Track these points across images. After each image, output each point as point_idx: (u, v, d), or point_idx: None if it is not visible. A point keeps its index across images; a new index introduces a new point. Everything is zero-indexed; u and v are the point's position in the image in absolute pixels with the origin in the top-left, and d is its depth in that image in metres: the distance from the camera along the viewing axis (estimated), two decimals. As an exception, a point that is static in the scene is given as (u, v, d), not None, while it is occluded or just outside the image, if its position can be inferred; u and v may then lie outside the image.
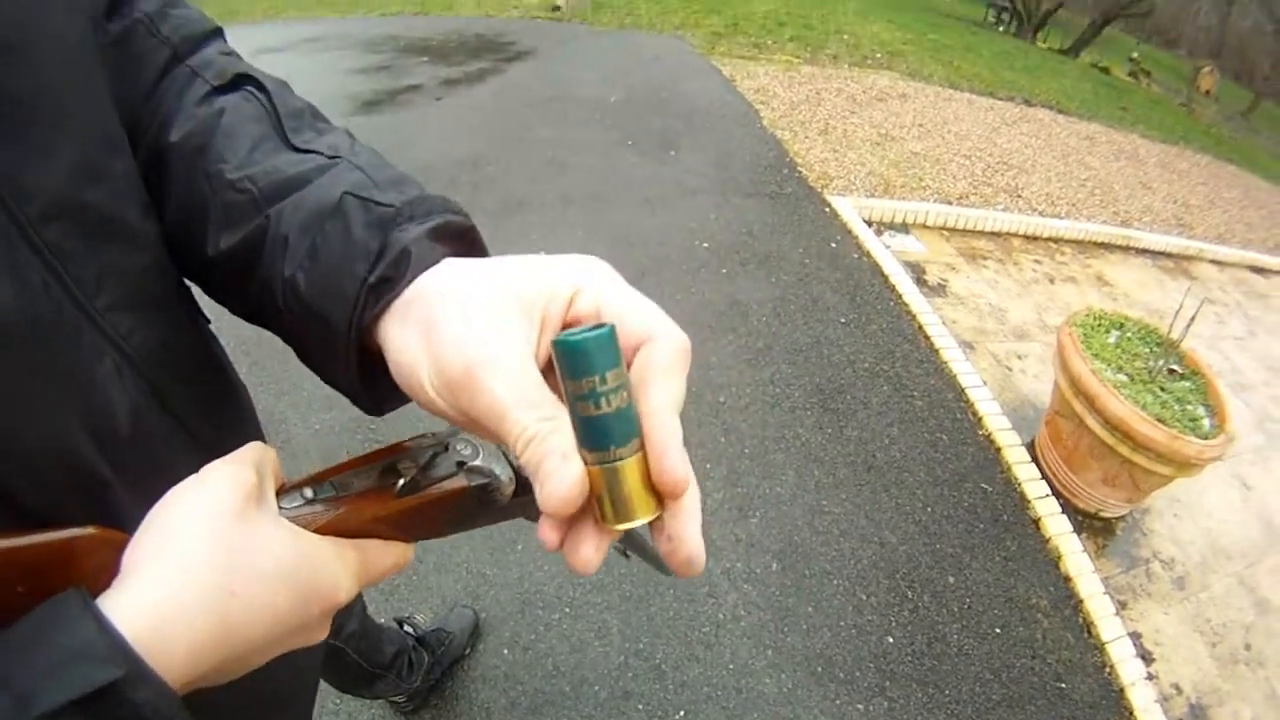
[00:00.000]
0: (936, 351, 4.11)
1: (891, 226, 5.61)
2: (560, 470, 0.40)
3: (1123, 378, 3.20)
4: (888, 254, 4.97)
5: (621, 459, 0.41)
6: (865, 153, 6.83)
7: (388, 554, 0.54)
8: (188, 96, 0.64)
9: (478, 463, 0.53)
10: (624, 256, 4.51)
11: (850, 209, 5.47)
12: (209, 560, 0.43)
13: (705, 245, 4.77)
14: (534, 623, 2.58)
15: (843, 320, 4.23)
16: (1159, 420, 2.97)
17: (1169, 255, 6.78)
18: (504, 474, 0.54)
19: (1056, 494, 3.39)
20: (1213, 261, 7.04)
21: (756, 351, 3.86)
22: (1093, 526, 3.39)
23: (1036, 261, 5.74)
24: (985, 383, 3.96)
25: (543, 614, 2.61)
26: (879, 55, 11.11)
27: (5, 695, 0.35)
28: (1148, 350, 3.42)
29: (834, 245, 5.01)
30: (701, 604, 2.68)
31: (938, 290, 4.91)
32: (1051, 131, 9.29)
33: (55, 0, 0.52)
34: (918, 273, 5.03)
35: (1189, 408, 3.15)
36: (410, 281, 0.50)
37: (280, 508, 0.50)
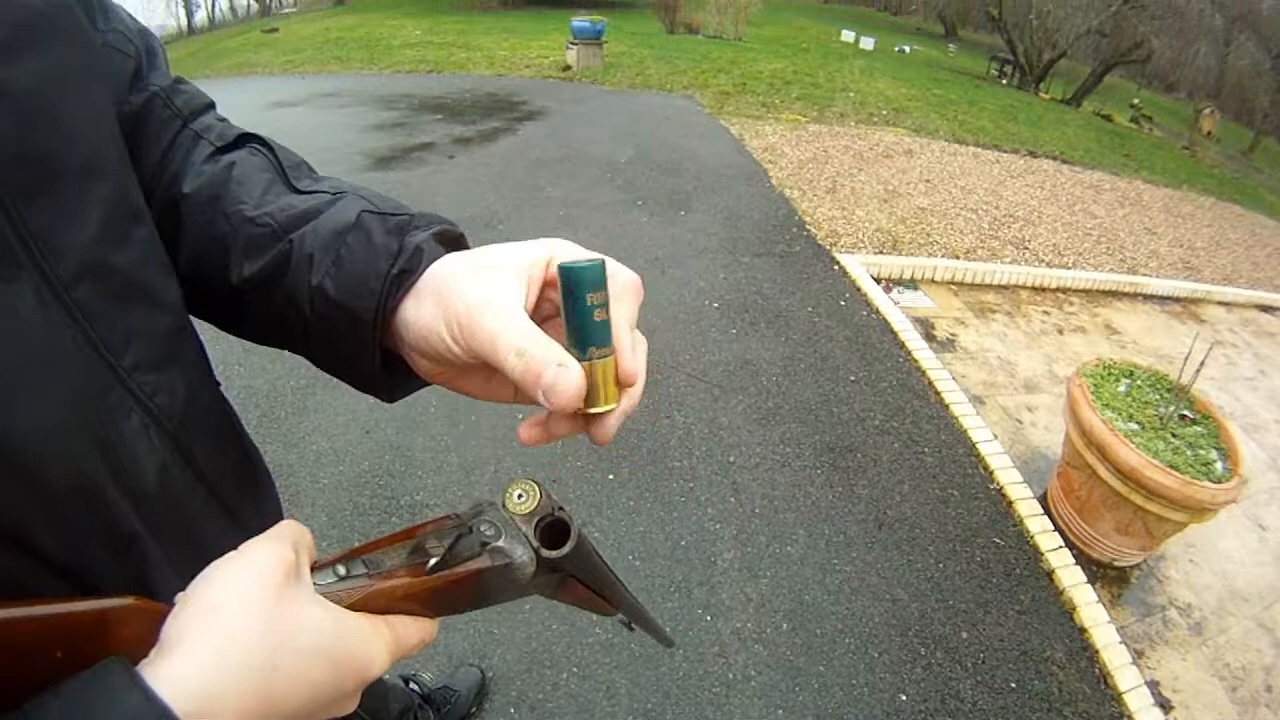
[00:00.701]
0: (947, 407, 4.13)
1: (900, 283, 5.67)
2: (564, 373, 0.52)
3: (1134, 426, 3.21)
4: (896, 310, 5.01)
5: (604, 358, 0.55)
6: (872, 209, 6.90)
7: (416, 629, 0.57)
8: (194, 156, 0.72)
9: (500, 544, 0.57)
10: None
11: (858, 266, 5.53)
12: (253, 635, 0.45)
13: (715, 305, 4.83)
14: (541, 682, 2.58)
15: (852, 378, 4.26)
16: (1172, 467, 2.97)
17: (1176, 299, 6.81)
18: (525, 555, 0.58)
19: (1070, 545, 3.38)
20: (1220, 303, 7.06)
21: (766, 411, 3.89)
22: (1107, 576, 3.38)
23: (1045, 313, 5.78)
24: (996, 436, 3.97)
25: (550, 673, 2.61)
26: (884, 112, 11.24)
27: None
28: (1158, 397, 3.43)
29: (843, 303, 5.06)
30: (711, 664, 2.68)
31: (947, 345, 4.94)
32: (1056, 182, 9.36)
33: (87, 69, 0.58)
34: (927, 328, 5.08)
35: (1201, 452, 3.15)
36: (423, 271, 0.60)
37: (315, 584, 0.52)
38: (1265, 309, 7.56)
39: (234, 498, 0.72)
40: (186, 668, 0.43)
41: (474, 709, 2.48)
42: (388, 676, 1.97)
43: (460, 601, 0.60)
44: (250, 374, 3.78)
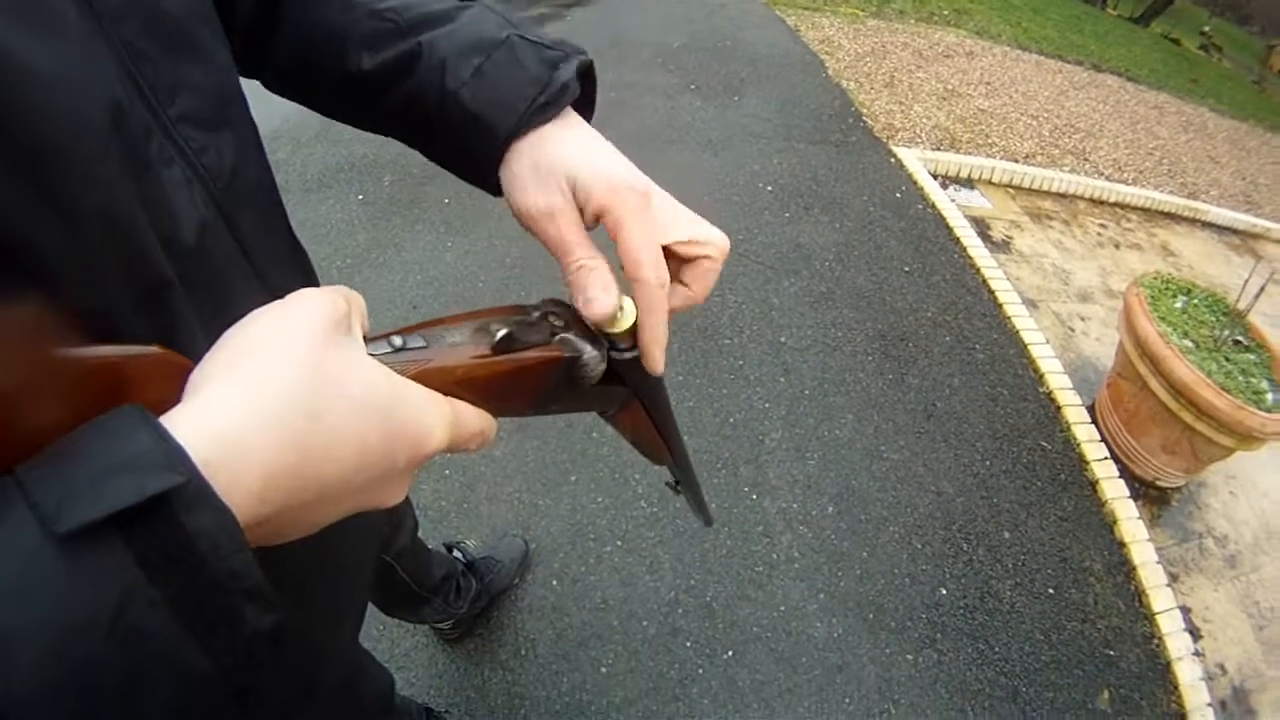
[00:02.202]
0: (1000, 306, 4.03)
1: (957, 181, 5.52)
2: (602, 297, 0.56)
3: (1188, 344, 3.12)
4: (953, 207, 4.88)
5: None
6: (931, 107, 6.71)
7: (477, 416, 0.50)
8: None
9: (570, 336, 0.55)
10: (686, 196, 4.29)
11: (915, 160, 5.38)
12: (294, 376, 0.38)
13: (769, 189, 4.70)
14: (584, 555, 2.57)
15: (906, 269, 4.17)
16: (1223, 389, 2.90)
17: (1235, 231, 6.63)
18: (595, 352, 0.57)
19: (1115, 458, 3.32)
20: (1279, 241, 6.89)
21: (819, 295, 3.81)
22: (1149, 495, 3.33)
23: (1102, 225, 5.63)
24: (1047, 341, 3.89)
25: (594, 546, 2.59)
26: (946, 12, 10.89)
27: (28, 512, 0.31)
28: (1214, 319, 3.34)
29: (899, 195, 4.93)
30: (756, 543, 2.66)
31: (1002, 247, 4.82)
32: (1120, 98, 9.11)
33: None
34: (982, 228, 4.94)
35: (1253, 380, 3.07)
36: (563, 107, 0.63)
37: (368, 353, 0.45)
38: None
39: (279, 280, 0.66)
40: (210, 409, 0.37)
41: (517, 580, 2.47)
42: (431, 543, 1.94)
43: (520, 396, 0.55)
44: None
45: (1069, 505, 3.08)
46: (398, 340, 0.47)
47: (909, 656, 2.47)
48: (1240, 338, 3.26)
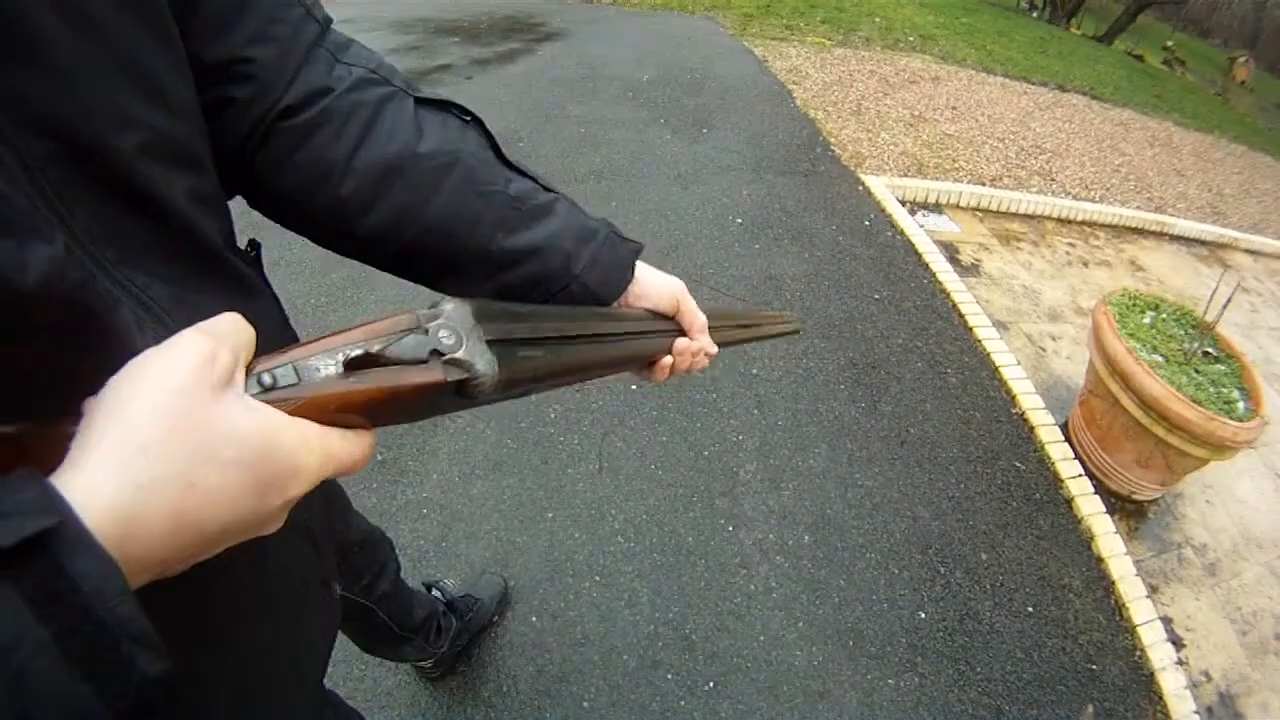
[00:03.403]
0: (970, 330, 4.07)
1: (925, 206, 5.58)
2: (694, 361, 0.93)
3: (1158, 358, 3.17)
4: (921, 233, 4.93)
5: None
6: (898, 133, 6.79)
7: (353, 447, 0.52)
8: (392, 107, 0.78)
9: (460, 355, 0.53)
10: (657, 229, 4.50)
11: (883, 188, 5.43)
12: (169, 449, 0.40)
13: (739, 221, 4.74)
14: (563, 590, 2.57)
15: (876, 297, 4.20)
16: (1195, 401, 2.94)
17: (1203, 243, 6.72)
18: (489, 369, 0.55)
19: (1089, 475, 3.35)
20: (1247, 251, 6.98)
21: (790, 325, 3.83)
22: (1125, 509, 3.36)
23: (1070, 244, 5.70)
24: (1019, 362, 3.93)
25: (572, 582, 2.60)
26: (911, 39, 11.03)
27: None
28: (1183, 332, 3.40)
29: (867, 223, 4.97)
30: (733, 575, 2.67)
31: (971, 270, 4.87)
32: (1085, 117, 9.21)
33: None
34: (951, 252, 5.00)
35: (1224, 390, 3.12)
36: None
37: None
38: None
39: None
40: (90, 484, 0.38)
41: (496, 618, 2.48)
42: (410, 583, 1.95)
43: (402, 413, 0.54)
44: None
45: (1045, 524, 3.10)
46: (267, 379, 0.47)
47: (890, 681, 2.48)
48: (1210, 349, 3.32)
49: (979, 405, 3.58)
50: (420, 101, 0.80)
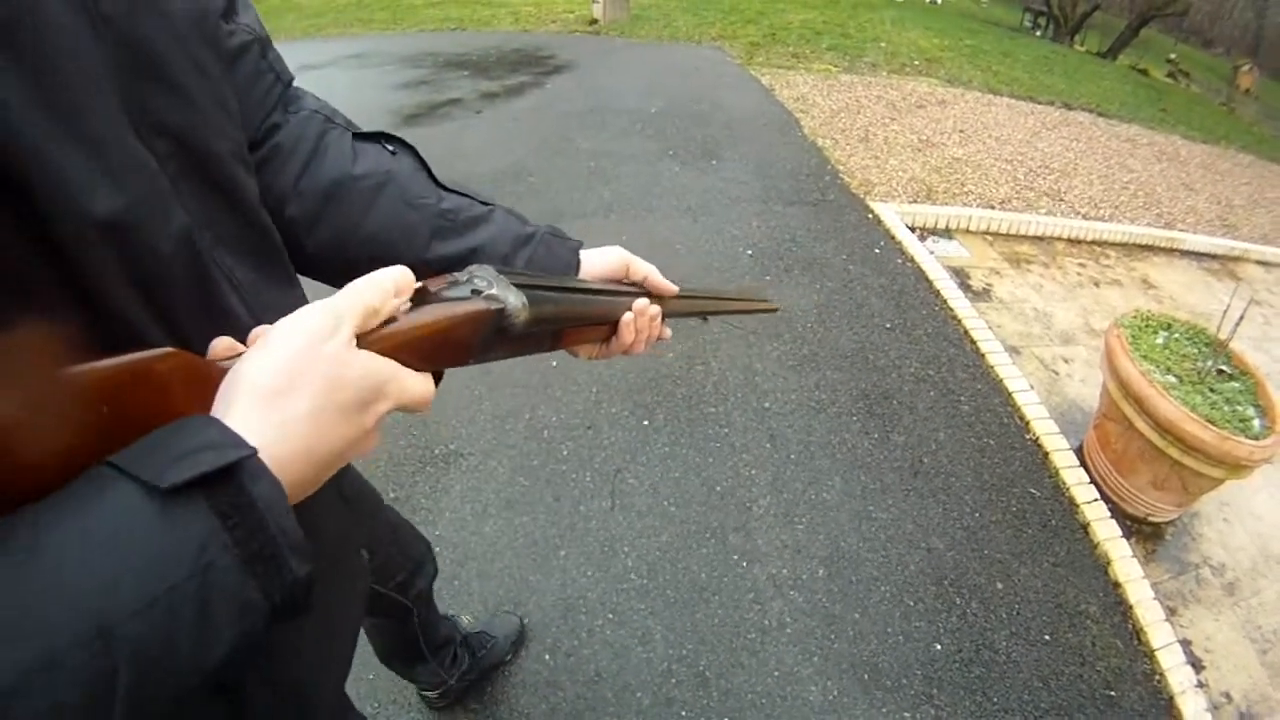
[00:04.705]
0: (983, 356, 4.08)
1: (934, 232, 5.61)
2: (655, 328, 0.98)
3: (1172, 379, 3.17)
4: (931, 259, 4.95)
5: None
6: (906, 159, 6.82)
7: (421, 383, 0.62)
8: (331, 138, 0.91)
9: (495, 292, 0.66)
10: (668, 263, 4.43)
11: (893, 215, 5.47)
12: (296, 394, 0.51)
13: (748, 252, 4.78)
14: (576, 629, 2.59)
15: (888, 326, 4.22)
16: (1209, 421, 2.93)
17: (1214, 257, 6.71)
18: (517, 301, 0.67)
19: (1105, 499, 3.34)
20: (1259, 262, 6.96)
21: (802, 358, 3.86)
22: (1142, 532, 3.35)
23: (1081, 265, 5.70)
24: (1032, 387, 3.93)
25: (585, 620, 2.61)
26: (917, 63, 11.08)
27: (132, 484, 0.43)
28: (1196, 351, 3.38)
29: (877, 251, 5.00)
30: (747, 610, 2.68)
31: (982, 295, 4.89)
32: (1092, 135, 9.22)
33: None
34: (962, 278, 5.02)
35: (1239, 408, 3.11)
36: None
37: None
38: None
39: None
40: (249, 425, 0.49)
41: (510, 656, 2.49)
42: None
43: (457, 349, 0.65)
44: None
45: (1061, 550, 3.10)
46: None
47: (906, 715, 2.47)
48: (1224, 367, 3.30)
49: (992, 432, 3.58)
50: (358, 135, 0.93)
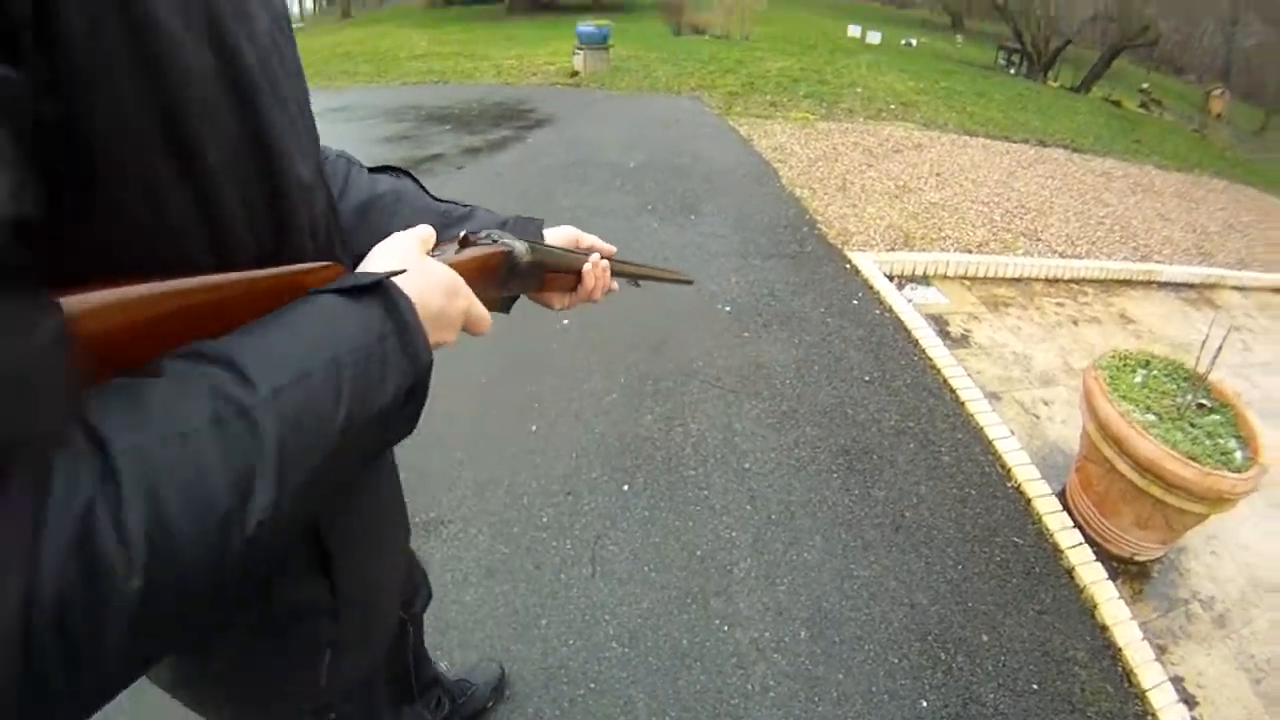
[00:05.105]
0: (962, 404, 4.10)
1: (913, 279, 5.66)
2: (606, 278, 1.23)
3: (1151, 417, 3.19)
4: (910, 308, 5.00)
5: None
6: (884, 206, 6.90)
7: (480, 305, 0.89)
8: (353, 170, 1.17)
9: (507, 240, 0.97)
10: (647, 321, 4.59)
11: (871, 264, 5.52)
12: (422, 267, 0.81)
13: (727, 309, 4.82)
14: (558, 698, 2.57)
15: (866, 379, 4.24)
16: (1190, 458, 2.95)
17: (1191, 286, 6.79)
18: (522, 247, 0.99)
19: (1090, 541, 3.35)
20: (1236, 288, 7.04)
21: (781, 415, 3.87)
22: (1128, 571, 3.36)
23: (1059, 304, 5.75)
24: (1013, 433, 3.95)
25: (567, 689, 2.60)
26: (893, 107, 11.22)
27: (329, 294, 0.69)
28: (1175, 387, 3.41)
29: (855, 302, 5.05)
30: (729, 675, 2.67)
31: (961, 341, 4.93)
32: (1067, 171, 9.33)
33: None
34: (941, 325, 5.06)
35: (1220, 441, 3.13)
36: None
37: None
38: None
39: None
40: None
41: (490, 703, 2.49)
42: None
43: (490, 279, 0.95)
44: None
45: (1046, 597, 3.10)
46: (437, 253, 0.89)
47: (895, 775, 2.48)
48: (1204, 400, 3.33)
49: (973, 482, 3.59)
50: (371, 169, 1.20)
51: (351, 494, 1.00)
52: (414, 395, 0.73)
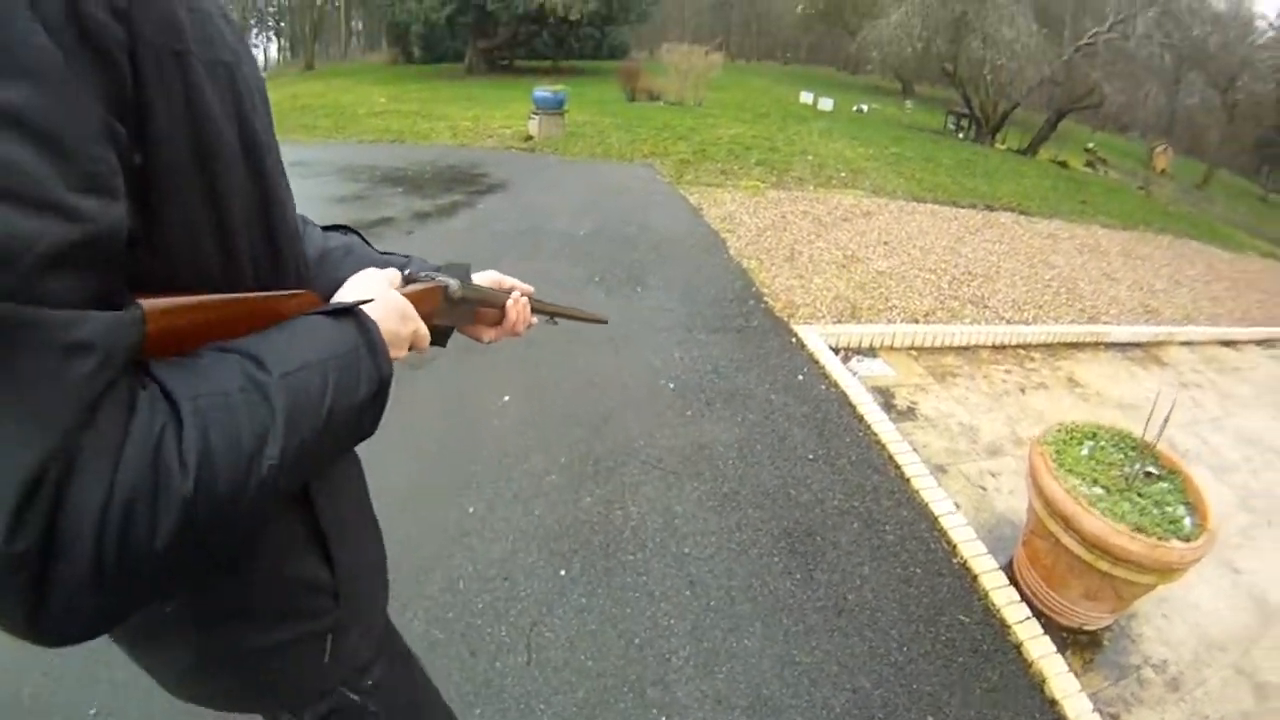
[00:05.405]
0: (907, 481, 4.08)
1: (859, 351, 5.68)
2: (526, 312, 1.41)
3: (1099, 490, 3.18)
4: (855, 382, 5.00)
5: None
6: (831, 277, 6.95)
7: (422, 326, 1.07)
8: (315, 230, 1.31)
9: (443, 278, 1.15)
10: (589, 399, 4.55)
11: (816, 338, 5.54)
12: (383, 301, 0.98)
13: (670, 386, 4.79)
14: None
15: (810, 457, 4.22)
16: (1138, 529, 2.95)
17: (1138, 345, 6.93)
18: (455, 283, 1.17)
19: (1038, 614, 3.33)
20: (1183, 343, 7.19)
21: (723, 497, 3.82)
22: (1078, 641, 3.33)
23: (1006, 372, 5.80)
24: (959, 506, 3.94)
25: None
26: (843, 174, 11.38)
27: (316, 316, 0.87)
28: (1122, 456, 3.42)
29: (801, 378, 5.05)
30: (669, 770, 2.61)
31: (907, 414, 4.93)
32: (1015, 234, 9.49)
33: None
34: (886, 398, 5.07)
35: (1169, 509, 3.13)
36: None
37: None
38: (1226, 344, 7.76)
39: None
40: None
41: None
42: None
43: (431, 307, 1.11)
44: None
45: (994, 675, 3.06)
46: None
47: None
48: (1151, 469, 3.33)
49: (918, 561, 3.56)
50: (324, 227, 1.34)
51: (335, 483, 1.15)
52: (378, 398, 0.90)
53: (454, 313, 1.20)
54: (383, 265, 1.24)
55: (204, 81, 0.76)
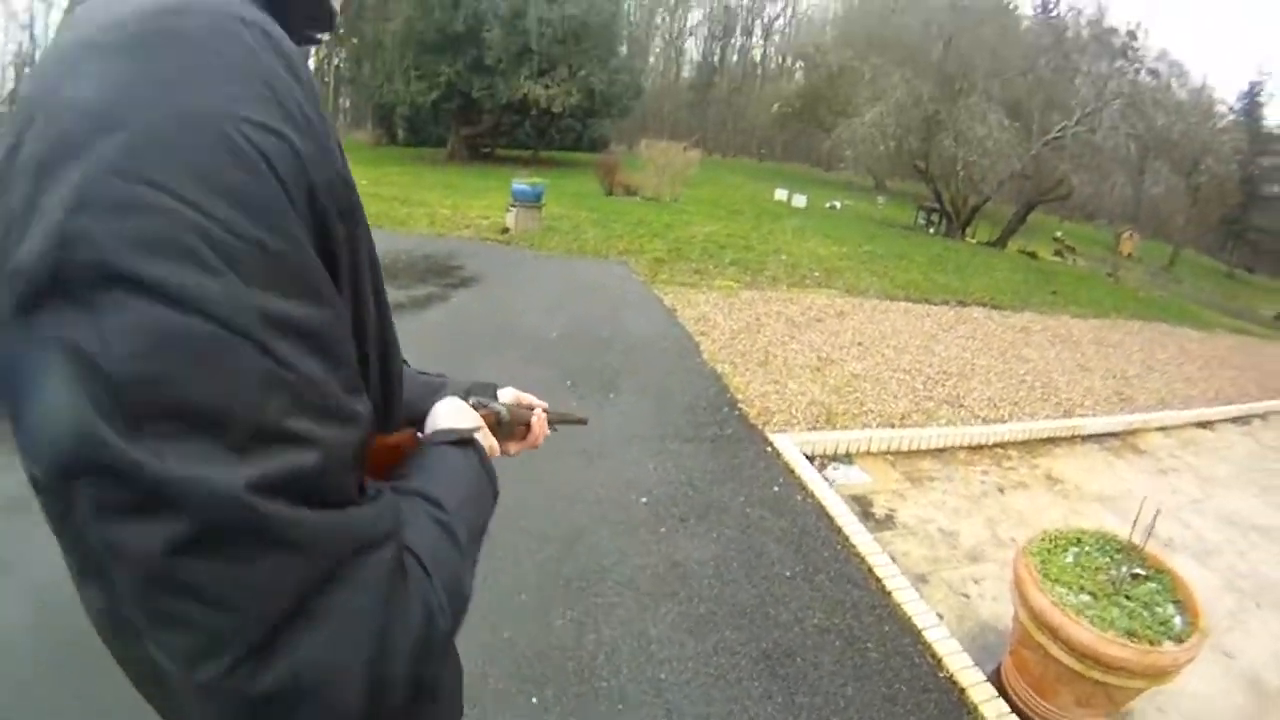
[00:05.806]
0: (888, 594, 3.99)
1: (835, 458, 5.63)
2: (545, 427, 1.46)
3: (1086, 598, 3.14)
4: (831, 492, 4.94)
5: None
6: (806, 381, 6.95)
7: (492, 439, 1.15)
8: None
9: (496, 406, 1.21)
10: (561, 517, 4.41)
11: (791, 446, 5.49)
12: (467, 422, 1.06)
13: (644, 500, 4.69)
14: None
15: (788, 574, 4.11)
16: (1129, 634, 2.91)
17: (1115, 435, 6.96)
18: (504, 410, 1.22)
19: (1028, 722, 3.25)
20: (1159, 429, 7.23)
21: (699, 618, 3.70)
22: (1073, 748, 3.23)
23: (984, 472, 5.76)
24: (942, 617, 3.85)
25: None
26: (816, 273, 11.51)
27: (449, 446, 0.98)
28: (1108, 560, 3.38)
29: (776, 489, 4.98)
30: None
31: (886, 523, 4.86)
32: (987, 330, 9.57)
33: None
34: (864, 506, 5.01)
35: (1159, 610, 3.10)
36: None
37: None
38: (1202, 425, 7.87)
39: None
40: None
41: None
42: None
43: (495, 431, 1.18)
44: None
45: (990, 794, 2.96)
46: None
47: None
48: (1138, 570, 3.29)
49: (903, 678, 3.45)
50: None
51: None
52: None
53: (497, 434, 1.25)
54: (425, 386, 1.29)
55: (362, 232, 0.82)
